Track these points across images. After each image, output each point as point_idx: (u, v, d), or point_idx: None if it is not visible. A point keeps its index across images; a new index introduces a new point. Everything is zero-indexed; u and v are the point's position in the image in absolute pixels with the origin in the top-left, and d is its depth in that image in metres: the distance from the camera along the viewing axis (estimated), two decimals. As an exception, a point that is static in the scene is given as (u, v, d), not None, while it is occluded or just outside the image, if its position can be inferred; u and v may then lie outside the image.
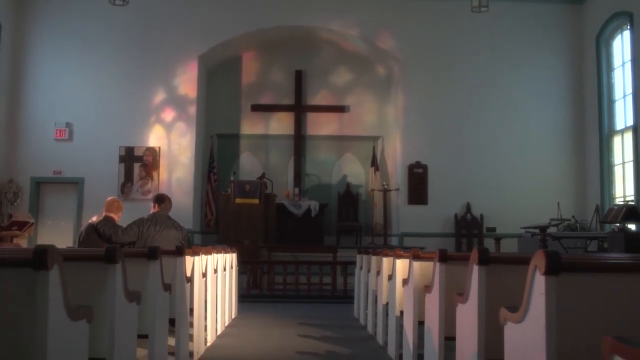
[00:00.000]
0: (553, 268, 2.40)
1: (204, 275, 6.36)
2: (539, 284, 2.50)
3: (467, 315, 3.52)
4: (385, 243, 15.20)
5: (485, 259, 3.30)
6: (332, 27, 15.81)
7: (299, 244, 14.84)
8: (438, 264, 4.15)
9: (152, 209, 7.67)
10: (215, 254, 7.37)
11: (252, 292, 12.56)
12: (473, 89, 15.40)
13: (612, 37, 14.60)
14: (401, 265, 5.81)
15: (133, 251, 4.30)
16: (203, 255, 6.28)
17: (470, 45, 15.50)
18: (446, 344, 4.24)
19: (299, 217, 15.63)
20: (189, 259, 5.50)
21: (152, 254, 4.17)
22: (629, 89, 13.60)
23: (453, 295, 3.86)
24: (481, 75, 15.42)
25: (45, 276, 2.35)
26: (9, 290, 2.30)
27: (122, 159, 15.13)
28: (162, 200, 7.70)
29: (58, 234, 15.10)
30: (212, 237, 15.38)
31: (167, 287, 4.61)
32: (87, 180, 15.06)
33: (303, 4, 15.55)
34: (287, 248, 14.23)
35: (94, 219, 7.99)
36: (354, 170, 16.95)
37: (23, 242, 13.82)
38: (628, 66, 13.70)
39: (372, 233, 15.97)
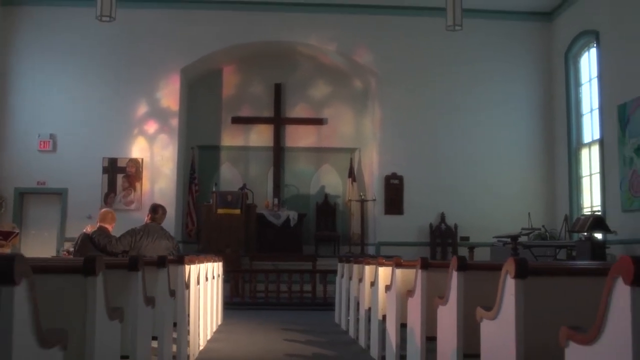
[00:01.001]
0: (521, 272, 2.87)
1: (198, 282, 6.76)
2: (509, 287, 2.96)
3: (447, 316, 3.97)
4: (363, 252, 15.65)
5: (463, 266, 3.76)
6: (310, 42, 16.29)
7: (278, 253, 15.24)
8: (420, 270, 4.61)
9: (146, 218, 8.02)
10: (205, 263, 7.76)
11: (234, 300, 12.93)
12: (447, 103, 15.94)
13: (579, 54, 15.24)
14: (383, 272, 6.26)
15: (147, 260, 4.68)
16: (197, 264, 6.67)
17: (445, 61, 16.05)
18: (427, 344, 4.69)
19: (278, 227, 16.02)
20: (187, 267, 5.90)
21: (162, 262, 4.58)
22: (596, 104, 14.21)
23: (434, 298, 4.31)
24: (455, 89, 15.97)
25: (93, 281, 2.73)
26: (64, 293, 2.70)
27: (105, 170, 15.43)
28: (155, 211, 8.04)
29: (41, 243, 15.34)
30: (193, 247, 15.71)
31: (172, 293, 5.01)
32: (71, 191, 15.33)
33: (282, 20, 16.00)
34: (268, 257, 14.63)
35: (88, 229, 8.34)
36: (331, 181, 17.41)
37: (7, 252, 14.05)
38: (595, 82, 14.32)
39: (349, 242, 16.42)
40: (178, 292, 5.37)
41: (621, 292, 1.93)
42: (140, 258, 3.89)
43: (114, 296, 3.20)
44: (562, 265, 3.43)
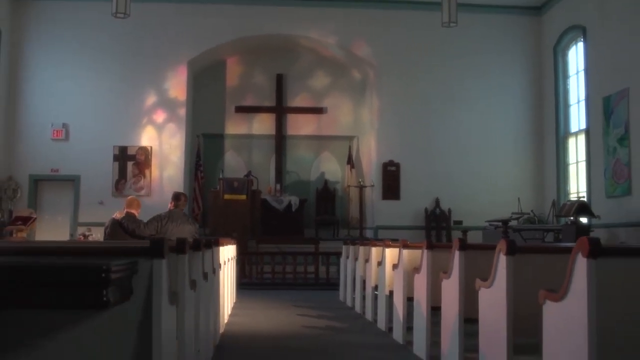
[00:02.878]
0: (511, 251, 3.70)
1: (225, 263, 7.58)
2: (502, 262, 3.79)
3: (450, 288, 4.81)
4: (361, 235, 16.49)
5: (464, 246, 4.59)
6: (311, 35, 17.04)
7: (281, 236, 16.06)
8: (426, 250, 5.44)
9: (169, 205, 8.77)
10: (226, 245, 8.57)
11: (243, 280, 13.75)
12: (442, 94, 16.74)
13: (567, 47, 16.05)
14: (390, 253, 7.09)
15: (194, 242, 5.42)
16: (224, 246, 7.49)
17: (440, 53, 16.83)
18: (432, 313, 5.53)
19: (280, 212, 16.84)
20: (220, 249, 6.71)
21: (208, 244, 5.39)
22: (582, 96, 15.04)
23: (438, 273, 5.15)
24: (450, 80, 16.76)
25: (159, 264, 2.88)
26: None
27: (116, 158, 16.18)
28: (178, 198, 8.80)
29: (55, 228, 16.11)
30: (200, 231, 16.50)
31: (205, 276, 5.80)
32: (83, 178, 16.08)
33: (284, 14, 16.73)
34: (273, 240, 15.45)
35: (117, 215, 9.11)
36: (331, 168, 18.22)
37: (24, 236, 14.81)
38: (582, 75, 15.14)
39: (348, 226, 17.27)
40: (209, 273, 6.16)
41: (580, 263, 2.76)
42: (186, 241, 3.86)
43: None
44: (543, 246, 4.27)
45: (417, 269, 5.77)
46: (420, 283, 5.64)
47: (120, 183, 16.20)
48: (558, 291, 3.03)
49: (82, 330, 1.55)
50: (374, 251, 8.04)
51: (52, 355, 1.28)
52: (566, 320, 2.99)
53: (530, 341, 4.18)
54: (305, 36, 17.12)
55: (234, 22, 16.59)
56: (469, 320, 4.62)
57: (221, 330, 7.25)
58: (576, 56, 15.64)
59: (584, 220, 12.91)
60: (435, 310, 5.45)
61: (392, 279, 6.93)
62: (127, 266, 1.96)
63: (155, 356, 2.82)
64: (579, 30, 15.13)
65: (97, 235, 12.86)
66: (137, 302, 2.69)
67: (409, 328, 6.33)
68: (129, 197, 9.37)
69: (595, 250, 2.71)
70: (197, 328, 4.51)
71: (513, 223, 13.60)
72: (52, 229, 16.07)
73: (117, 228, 8.83)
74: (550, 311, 3.12)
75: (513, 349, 4.01)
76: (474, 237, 15.38)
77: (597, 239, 2.77)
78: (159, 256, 2.82)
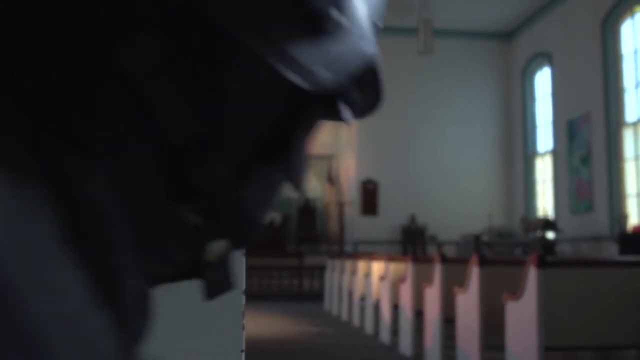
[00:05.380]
0: (482, 263, 4.63)
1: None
2: (475, 272, 4.72)
3: (432, 294, 5.73)
4: (342, 250, 17.40)
5: (444, 260, 5.52)
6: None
7: (268, 250, 16.90)
8: (411, 263, 6.37)
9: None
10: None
11: (231, 292, 14.56)
12: (418, 115, 17.75)
13: (534, 72, 17.16)
14: (376, 266, 8.02)
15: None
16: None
17: (416, 76, 17.84)
18: (416, 317, 6.45)
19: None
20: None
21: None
22: (549, 118, 16.13)
23: (421, 283, 6.08)
24: (425, 102, 17.79)
25: None
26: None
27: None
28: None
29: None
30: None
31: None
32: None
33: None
34: (260, 254, 16.29)
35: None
36: (311, 185, 19.10)
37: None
38: (548, 98, 16.24)
39: (328, 241, 18.17)
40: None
41: (532, 271, 3.69)
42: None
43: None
44: (509, 258, 5.22)
45: (402, 280, 6.69)
46: (406, 291, 6.55)
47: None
48: (517, 293, 3.96)
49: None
50: (361, 264, 8.95)
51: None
52: (522, 317, 3.92)
53: (499, 338, 5.11)
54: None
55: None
56: (449, 320, 5.55)
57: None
58: (543, 81, 16.74)
59: (550, 235, 13.96)
60: (418, 314, 6.37)
61: (378, 289, 7.83)
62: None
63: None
64: (545, 56, 16.23)
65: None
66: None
67: (394, 331, 7.23)
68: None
69: (542, 262, 3.65)
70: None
71: (484, 237, 14.60)
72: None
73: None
74: (511, 310, 4.06)
75: (485, 345, 4.94)
76: (448, 250, 16.35)
77: (544, 255, 3.72)
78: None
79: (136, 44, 0.43)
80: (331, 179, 18.58)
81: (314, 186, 19.05)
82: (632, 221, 12.28)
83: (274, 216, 17.72)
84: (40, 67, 0.42)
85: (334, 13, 0.47)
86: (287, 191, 0.57)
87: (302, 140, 0.53)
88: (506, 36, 18.10)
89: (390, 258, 7.26)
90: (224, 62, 0.47)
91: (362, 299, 8.82)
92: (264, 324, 9.79)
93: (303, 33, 0.46)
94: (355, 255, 9.77)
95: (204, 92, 0.46)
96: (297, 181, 0.55)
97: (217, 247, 0.51)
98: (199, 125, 0.46)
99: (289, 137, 0.51)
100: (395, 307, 7.10)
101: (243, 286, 1.55)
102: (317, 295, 13.96)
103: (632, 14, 12.74)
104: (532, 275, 3.65)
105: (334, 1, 0.47)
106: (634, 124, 12.59)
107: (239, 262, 1.55)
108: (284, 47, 0.45)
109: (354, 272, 9.47)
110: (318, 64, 0.47)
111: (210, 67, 0.46)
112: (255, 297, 14.42)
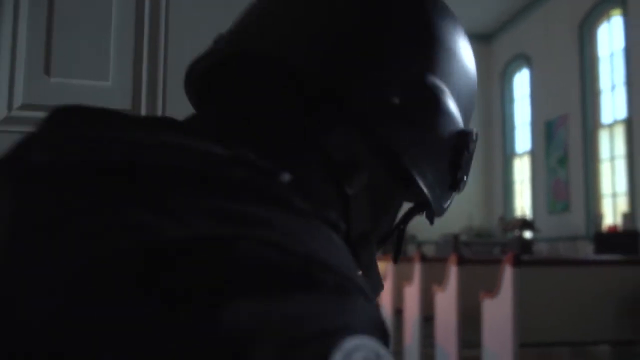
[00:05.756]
0: (460, 262, 4.78)
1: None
2: (453, 271, 4.87)
3: (412, 293, 5.88)
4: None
5: (423, 259, 5.67)
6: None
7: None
8: (391, 262, 6.51)
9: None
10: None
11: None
12: (398, 116, 17.90)
13: (513, 73, 17.39)
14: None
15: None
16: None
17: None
18: (396, 315, 6.60)
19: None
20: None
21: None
22: (527, 119, 16.36)
23: (401, 282, 6.22)
24: (405, 103, 17.94)
25: None
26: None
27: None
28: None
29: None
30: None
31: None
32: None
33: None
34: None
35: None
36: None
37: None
38: (527, 100, 16.47)
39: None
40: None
41: (507, 269, 3.84)
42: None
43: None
44: (486, 257, 5.38)
45: (383, 278, 6.81)
46: (386, 290, 6.68)
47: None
48: (493, 290, 4.11)
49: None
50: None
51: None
52: (498, 314, 4.07)
53: (477, 336, 5.27)
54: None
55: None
56: (427, 318, 5.70)
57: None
58: (521, 82, 16.98)
59: (527, 234, 14.17)
60: (397, 313, 6.51)
61: (359, 287, 7.97)
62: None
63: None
64: (524, 58, 16.47)
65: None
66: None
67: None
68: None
69: (517, 261, 3.80)
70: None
71: (463, 237, 14.81)
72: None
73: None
74: (487, 307, 4.20)
75: (463, 342, 5.09)
76: (428, 250, 16.54)
77: (519, 254, 3.87)
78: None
79: (336, 133, 0.69)
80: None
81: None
82: (607, 221, 12.52)
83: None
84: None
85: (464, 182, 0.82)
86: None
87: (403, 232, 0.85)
88: (486, 38, 18.32)
89: (371, 257, 7.40)
90: (397, 192, 0.78)
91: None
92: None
93: (450, 191, 0.80)
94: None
95: (381, 208, 0.76)
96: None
97: None
98: (370, 227, 0.73)
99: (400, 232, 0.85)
100: (376, 305, 7.24)
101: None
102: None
103: (608, 17, 12.99)
104: (507, 273, 3.79)
105: (467, 172, 0.82)
106: (610, 126, 12.85)
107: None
108: (443, 200, 0.79)
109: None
110: (448, 205, 0.80)
111: (389, 193, 0.77)
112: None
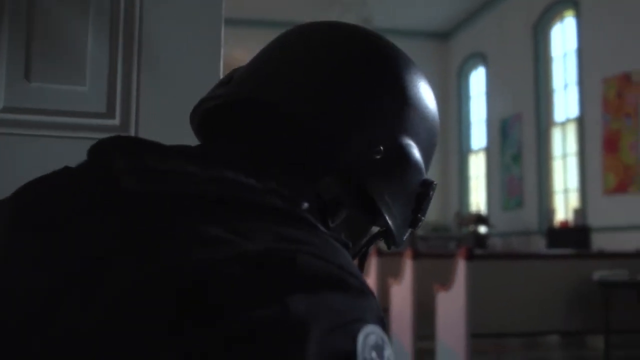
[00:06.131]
0: (415, 256, 4.93)
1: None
2: (408, 264, 5.02)
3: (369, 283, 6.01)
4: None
5: (380, 253, 5.81)
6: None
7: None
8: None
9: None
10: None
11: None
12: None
13: (470, 72, 17.68)
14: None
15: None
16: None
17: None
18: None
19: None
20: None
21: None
22: (483, 117, 16.66)
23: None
24: (363, 99, 18.08)
25: None
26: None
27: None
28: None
29: None
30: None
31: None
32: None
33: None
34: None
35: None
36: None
37: None
38: (483, 97, 16.77)
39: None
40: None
41: (461, 263, 3.99)
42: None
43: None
44: (441, 252, 5.54)
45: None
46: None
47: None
48: (447, 284, 4.26)
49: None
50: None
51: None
52: (452, 306, 4.23)
53: (431, 328, 5.43)
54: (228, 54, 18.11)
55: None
56: (383, 311, 5.84)
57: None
58: (477, 81, 17.27)
59: (482, 229, 14.47)
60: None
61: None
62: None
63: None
64: (480, 57, 16.76)
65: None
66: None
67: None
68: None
69: (470, 255, 3.96)
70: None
71: (420, 232, 15.03)
72: None
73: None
74: (441, 300, 4.36)
75: (417, 334, 5.24)
76: (385, 245, 16.73)
77: (472, 248, 4.02)
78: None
79: (325, 182, 0.85)
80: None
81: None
82: (559, 216, 12.85)
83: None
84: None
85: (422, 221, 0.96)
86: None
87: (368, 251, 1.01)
88: (443, 36, 18.57)
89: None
90: (369, 224, 0.95)
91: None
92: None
93: (409, 228, 0.94)
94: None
95: (355, 235, 0.93)
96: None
97: None
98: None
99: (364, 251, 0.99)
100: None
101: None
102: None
103: (561, 18, 13.30)
104: (461, 267, 3.94)
105: (424, 214, 0.95)
106: (562, 124, 13.17)
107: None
108: (403, 234, 0.94)
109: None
110: (406, 238, 0.95)
111: (362, 225, 0.95)
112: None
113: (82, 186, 0.77)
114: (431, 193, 0.96)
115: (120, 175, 0.73)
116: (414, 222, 0.94)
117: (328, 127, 0.84)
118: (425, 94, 1.00)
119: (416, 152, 0.92)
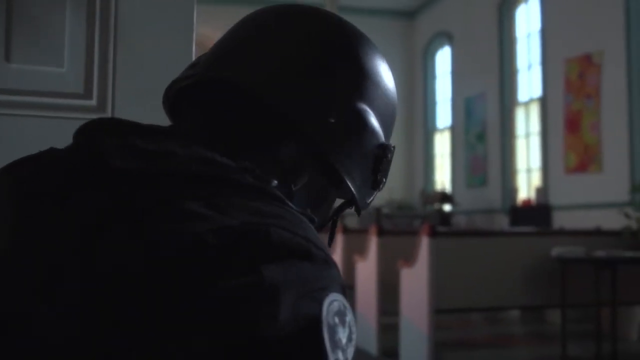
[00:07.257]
0: (379, 233, 5.02)
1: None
2: (374, 241, 5.11)
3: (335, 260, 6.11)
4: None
5: (345, 231, 5.90)
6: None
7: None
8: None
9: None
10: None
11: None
12: (323, 90, 18.05)
13: (435, 51, 17.79)
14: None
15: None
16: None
17: (321, 52, 18.13)
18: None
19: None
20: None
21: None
22: (448, 96, 16.81)
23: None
24: (330, 78, 18.09)
25: None
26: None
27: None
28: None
29: None
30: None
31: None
32: None
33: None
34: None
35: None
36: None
37: None
38: (448, 76, 16.91)
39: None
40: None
41: (424, 240, 4.10)
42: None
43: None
44: (405, 229, 5.65)
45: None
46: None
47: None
48: (410, 260, 4.37)
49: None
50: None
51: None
52: (415, 282, 4.34)
53: (396, 304, 5.55)
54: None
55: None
56: (349, 288, 5.94)
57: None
58: (443, 60, 17.39)
59: (447, 207, 14.67)
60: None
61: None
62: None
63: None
64: (445, 36, 16.86)
65: None
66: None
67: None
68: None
69: (433, 232, 4.06)
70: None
71: (385, 210, 15.19)
72: None
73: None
74: (405, 276, 4.47)
75: (382, 310, 5.35)
76: (350, 222, 16.86)
77: (435, 225, 4.12)
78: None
79: (287, 146, 0.93)
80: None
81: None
82: (522, 195, 13.09)
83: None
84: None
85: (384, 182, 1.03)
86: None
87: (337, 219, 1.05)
88: (409, 15, 18.62)
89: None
90: (331, 190, 1.00)
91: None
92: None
93: (372, 190, 0.99)
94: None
95: (317, 201, 0.99)
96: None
97: None
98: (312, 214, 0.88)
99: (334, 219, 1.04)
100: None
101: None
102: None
103: (526, -1, 13.46)
104: (424, 244, 4.05)
105: (385, 175, 1.03)
106: (525, 104, 13.37)
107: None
108: (367, 197, 0.98)
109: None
110: (371, 201, 1.02)
111: (324, 191, 1.00)
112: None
113: (72, 165, 0.82)
114: (389, 155, 1.02)
115: (108, 154, 0.79)
116: (375, 184, 0.99)
117: (285, 97, 0.89)
118: (381, 66, 1.04)
119: (372, 118, 0.98)
